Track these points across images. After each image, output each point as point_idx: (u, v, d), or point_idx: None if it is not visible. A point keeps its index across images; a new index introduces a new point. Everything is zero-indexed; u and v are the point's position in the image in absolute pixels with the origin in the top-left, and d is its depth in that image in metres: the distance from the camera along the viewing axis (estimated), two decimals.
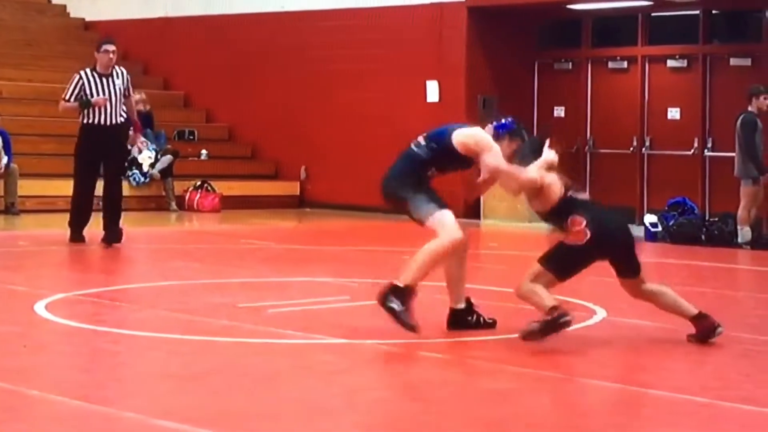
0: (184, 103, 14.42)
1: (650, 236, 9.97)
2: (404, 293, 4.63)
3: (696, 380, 4.17)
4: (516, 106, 12.47)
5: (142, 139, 9.01)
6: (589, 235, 4.49)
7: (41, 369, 4.14)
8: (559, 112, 12.45)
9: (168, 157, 12.36)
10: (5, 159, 11.16)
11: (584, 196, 4.76)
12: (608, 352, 4.72)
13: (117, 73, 8.06)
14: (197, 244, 8.80)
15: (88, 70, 8.05)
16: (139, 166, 12.25)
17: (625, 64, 12.02)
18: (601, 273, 7.77)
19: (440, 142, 4.87)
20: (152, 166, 12.26)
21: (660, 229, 9.92)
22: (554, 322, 4.47)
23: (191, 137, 13.59)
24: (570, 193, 4.67)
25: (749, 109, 9.54)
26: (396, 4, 12.47)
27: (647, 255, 9.41)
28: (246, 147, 13.83)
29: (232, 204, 12.38)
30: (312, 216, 12.16)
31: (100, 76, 7.99)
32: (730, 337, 5.06)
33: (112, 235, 8.06)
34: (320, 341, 4.71)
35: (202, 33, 13.99)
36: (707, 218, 10.22)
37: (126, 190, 12.08)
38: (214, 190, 12.48)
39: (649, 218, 10.14)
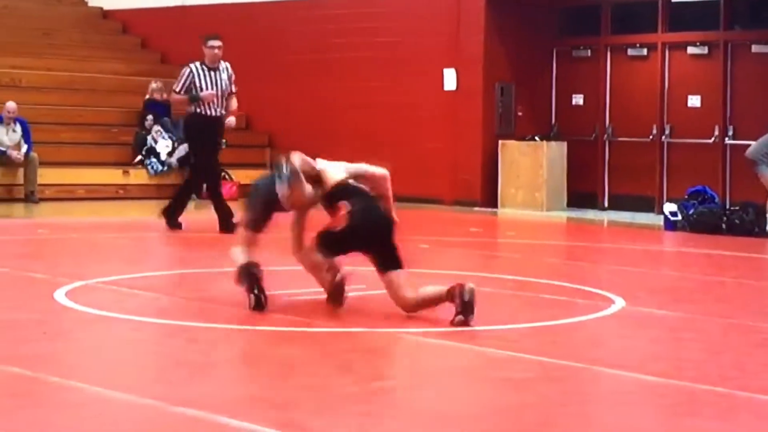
0: None
1: (670, 225, 9.91)
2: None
3: (715, 370, 4.15)
4: (534, 94, 12.44)
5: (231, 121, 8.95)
6: (344, 223, 4.75)
7: (61, 356, 4.18)
8: (578, 99, 12.39)
9: (185, 146, 12.40)
10: (25, 147, 11.24)
11: (364, 187, 4.95)
12: (625, 342, 4.70)
13: (223, 68, 8.44)
14: (216, 233, 8.83)
15: (197, 63, 8.43)
16: (157, 155, 12.31)
17: (644, 52, 11.94)
18: (619, 263, 7.76)
19: None
20: (170, 154, 12.31)
21: (680, 218, 9.86)
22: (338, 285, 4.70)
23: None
24: (350, 180, 4.91)
25: None
26: None
27: (667, 244, 9.39)
28: (263, 135, 13.85)
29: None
30: None
31: (209, 69, 8.36)
32: (749, 327, 5.03)
33: (229, 224, 8.31)
34: (337, 329, 4.72)
35: (219, 21, 13.99)
36: (728, 207, 10.15)
37: (143, 178, 12.23)
38: (231, 179, 12.51)
39: (669, 207, 10.08)
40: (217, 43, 8.42)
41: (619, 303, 5.48)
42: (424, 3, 12.35)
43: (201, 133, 8.40)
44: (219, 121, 8.41)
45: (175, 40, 14.46)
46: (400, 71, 12.45)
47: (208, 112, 8.30)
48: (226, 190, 12.63)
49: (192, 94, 8.25)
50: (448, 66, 12.13)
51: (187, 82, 8.30)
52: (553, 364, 4.14)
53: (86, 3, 15.47)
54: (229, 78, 8.43)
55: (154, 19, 14.61)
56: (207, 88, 8.27)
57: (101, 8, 15.32)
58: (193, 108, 8.35)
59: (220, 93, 8.31)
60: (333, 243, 4.81)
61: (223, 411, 3.31)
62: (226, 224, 8.39)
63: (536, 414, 3.49)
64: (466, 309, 4.62)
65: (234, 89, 8.56)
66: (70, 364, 4.05)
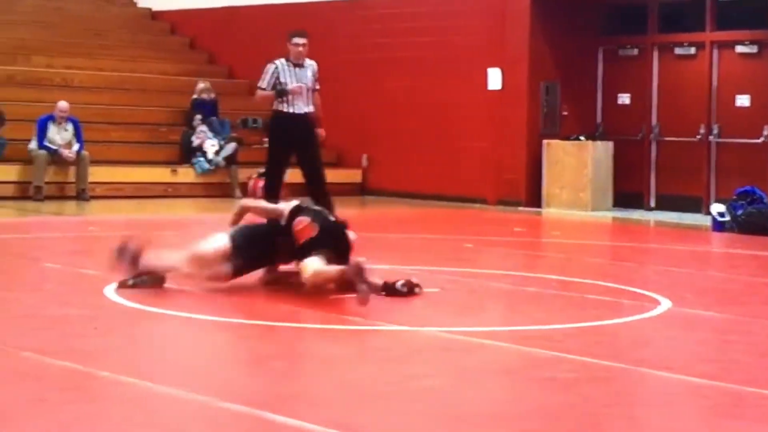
0: (248, 92, 14.59)
1: (718, 226, 9.77)
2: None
3: (762, 372, 4.09)
4: (579, 94, 12.35)
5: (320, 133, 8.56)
6: (317, 228, 5.23)
7: (111, 351, 4.26)
8: (624, 99, 12.27)
9: (232, 145, 12.54)
10: (76, 146, 11.46)
11: (313, 205, 5.69)
12: (672, 343, 4.66)
13: (308, 65, 8.21)
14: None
15: (283, 60, 8.20)
16: (204, 154, 12.46)
17: (692, 50, 11.79)
18: (666, 263, 7.67)
19: None
20: (217, 153, 12.46)
21: (728, 218, 9.72)
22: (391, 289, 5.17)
23: (255, 125, 13.76)
24: (301, 204, 5.52)
25: None
26: None
27: (714, 245, 9.26)
28: None
29: (295, 191, 12.49)
30: (374, 203, 12.21)
31: (293, 65, 8.16)
32: None
33: None
34: (379, 327, 4.75)
35: (266, 22, 14.13)
36: None
37: (191, 177, 12.40)
38: None
39: (717, 208, 9.94)
40: (301, 40, 8.18)
41: (666, 304, 5.43)
42: (468, 2, 12.33)
43: (285, 131, 8.11)
44: (305, 118, 8.14)
45: (223, 40, 14.63)
46: (444, 71, 12.44)
47: (293, 110, 8.07)
48: None
49: (278, 88, 8.03)
50: (493, 65, 12.09)
51: (273, 78, 8.09)
52: (597, 364, 4.12)
53: (136, 4, 15.71)
54: (314, 75, 8.21)
55: (202, 20, 14.80)
56: (292, 84, 8.02)
57: (150, 9, 15.54)
58: (276, 105, 8.13)
59: (305, 90, 8.09)
60: (316, 247, 5.21)
61: (268, 407, 3.36)
62: None
63: (581, 415, 3.48)
64: (359, 278, 4.94)
65: (318, 87, 8.33)
66: (121, 359, 4.13)
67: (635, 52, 12.18)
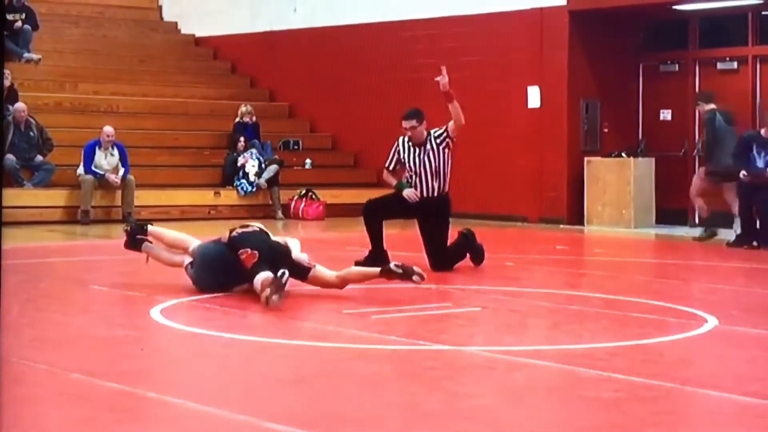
0: (289, 114, 14.75)
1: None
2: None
3: None
4: (620, 110, 12.27)
5: None
6: (257, 254, 5.85)
7: (157, 371, 4.32)
8: (666, 115, 12.17)
9: (274, 167, 12.66)
10: (122, 171, 11.65)
11: (247, 230, 6.12)
12: (719, 361, 4.60)
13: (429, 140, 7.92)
14: (303, 252, 8.97)
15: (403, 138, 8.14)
16: (246, 175, 12.60)
17: (735, 65, 11.66)
18: (711, 280, 7.56)
19: None
20: (258, 175, 12.59)
21: None
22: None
23: (296, 147, 13.88)
24: (235, 232, 6.03)
25: None
26: (496, 10, 12.44)
27: (762, 262, 9.11)
28: (349, 156, 14.02)
29: (335, 212, 12.57)
30: (414, 223, 12.18)
31: (413, 145, 8.05)
32: None
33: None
34: (423, 347, 4.75)
35: (306, 45, 14.28)
36: None
37: (234, 199, 12.54)
38: (318, 199, 12.70)
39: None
40: (406, 123, 8.04)
41: (712, 322, 5.36)
42: (507, 21, 12.34)
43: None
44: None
45: (264, 64, 14.81)
46: (485, 90, 12.45)
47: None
48: (313, 210, 12.88)
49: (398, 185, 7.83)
50: (532, 83, 12.08)
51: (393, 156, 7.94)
52: (643, 383, 4.08)
53: (179, 31, 15.98)
54: (437, 143, 7.97)
55: (243, 45, 15.00)
56: None
57: (194, 35, 15.80)
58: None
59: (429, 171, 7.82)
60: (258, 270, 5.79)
61: (311, 427, 3.38)
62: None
63: None
64: (407, 273, 5.67)
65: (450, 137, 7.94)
66: (166, 379, 4.18)
67: (676, 67, 12.08)
